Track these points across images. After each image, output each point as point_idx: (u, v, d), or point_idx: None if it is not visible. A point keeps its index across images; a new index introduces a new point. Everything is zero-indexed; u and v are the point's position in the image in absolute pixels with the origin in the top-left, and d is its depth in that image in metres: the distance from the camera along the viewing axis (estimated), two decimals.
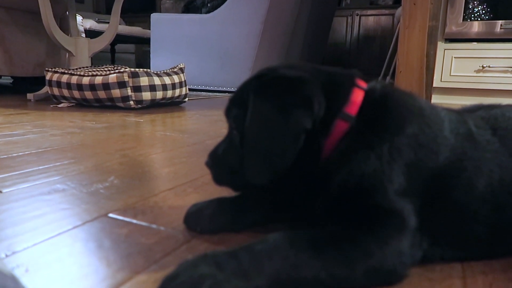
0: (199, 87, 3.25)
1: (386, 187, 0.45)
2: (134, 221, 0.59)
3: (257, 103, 0.49)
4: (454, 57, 2.34)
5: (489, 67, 2.27)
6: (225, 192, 0.59)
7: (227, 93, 3.10)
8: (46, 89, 2.05)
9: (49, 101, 2.05)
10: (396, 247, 0.42)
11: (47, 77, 1.97)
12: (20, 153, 0.98)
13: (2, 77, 3.55)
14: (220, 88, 3.21)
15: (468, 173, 0.47)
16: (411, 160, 0.46)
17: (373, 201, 0.45)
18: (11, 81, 3.55)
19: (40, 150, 1.02)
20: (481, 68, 2.29)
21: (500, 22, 2.24)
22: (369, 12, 4.79)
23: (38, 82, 2.32)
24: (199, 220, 0.55)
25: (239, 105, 0.52)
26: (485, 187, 0.47)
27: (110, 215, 0.61)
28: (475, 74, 2.31)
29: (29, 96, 2.18)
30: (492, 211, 0.47)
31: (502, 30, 2.23)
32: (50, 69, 1.99)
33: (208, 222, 0.55)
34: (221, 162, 0.56)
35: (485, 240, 0.48)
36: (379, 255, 0.41)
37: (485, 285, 0.44)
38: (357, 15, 4.83)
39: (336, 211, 0.48)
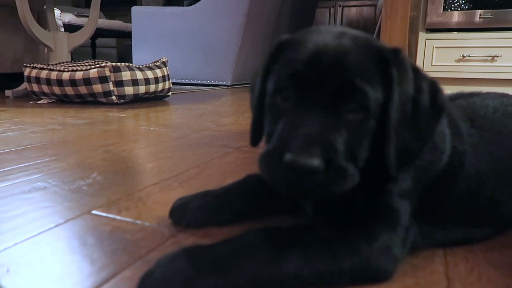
0: (183, 81, 3.22)
1: (393, 190, 0.45)
2: (118, 217, 0.58)
3: (411, 83, 0.44)
4: (435, 47, 2.37)
5: (469, 56, 2.30)
6: (211, 185, 0.58)
7: (210, 86, 3.08)
8: (25, 85, 2.00)
9: (29, 98, 2.00)
10: (386, 243, 0.42)
11: (26, 73, 1.92)
12: None
13: None
14: (203, 82, 3.19)
15: (456, 168, 0.49)
16: (424, 164, 0.47)
17: (377, 201, 0.45)
18: None
19: (20, 148, 1.00)
20: (461, 57, 2.32)
21: (479, 11, 2.27)
22: (352, 3, 4.81)
23: (17, 78, 2.26)
24: (184, 214, 0.55)
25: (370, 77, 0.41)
26: (464, 180, 0.49)
27: (94, 212, 0.60)
28: (456, 64, 2.35)
29: (8, 92, 2.13)
30: (468, 199, 0.49)
31: (481, 19, 2.26)
32: (28, 65, 1.94)
33: (194, 216, 0.54)
34: (341, 159, 0.39)
35: (466, 223, 0.50)
36: (367, 251, 0.40)
37: (467, 270, 0.45)
38: (340, 6, 4.84)
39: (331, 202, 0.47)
